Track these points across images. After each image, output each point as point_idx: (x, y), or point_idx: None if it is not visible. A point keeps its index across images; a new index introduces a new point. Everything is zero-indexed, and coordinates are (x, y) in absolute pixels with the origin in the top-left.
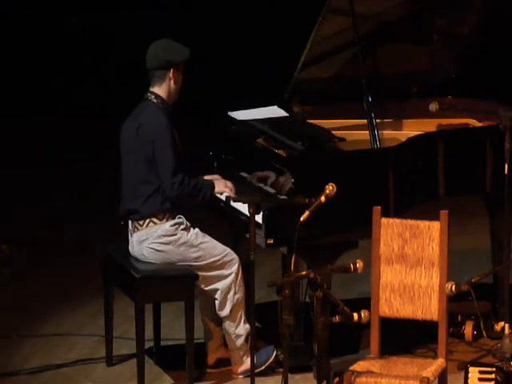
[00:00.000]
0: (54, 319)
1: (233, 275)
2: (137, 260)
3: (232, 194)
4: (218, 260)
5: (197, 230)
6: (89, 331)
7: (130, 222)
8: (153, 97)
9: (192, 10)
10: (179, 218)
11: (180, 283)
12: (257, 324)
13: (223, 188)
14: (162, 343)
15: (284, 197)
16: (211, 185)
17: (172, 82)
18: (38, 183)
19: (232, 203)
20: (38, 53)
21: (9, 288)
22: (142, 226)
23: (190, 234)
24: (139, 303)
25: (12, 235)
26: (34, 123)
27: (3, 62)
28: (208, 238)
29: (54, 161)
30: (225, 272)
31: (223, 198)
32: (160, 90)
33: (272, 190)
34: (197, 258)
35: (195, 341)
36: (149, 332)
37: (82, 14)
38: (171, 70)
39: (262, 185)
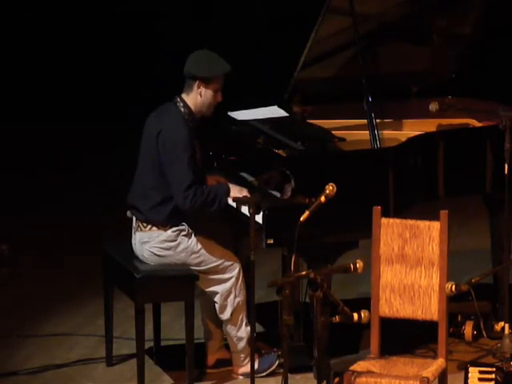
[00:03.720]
0: (53, 319)
1: (233, 279)
2: (137, 260)
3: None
4: (219, 265)
5: (198, 235)
6: (89, 331)
7: (134, 218)
8: (181, 104)
9: (192, 10)
10: (182, 224)
11: (180, 283)
12: (257, 324)
13: (238, 193)
14: (162, 343)
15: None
16: (226, 190)
17: (199, 95)
18: (39, 183)
19: (231, 203)
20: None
21: (9, 288)
22: (145, 227)
23: (190, 240)
24: (139, 303)
25: (12, 235)
26: (35, 125)
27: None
28: (209, 243)
29: (54, 161)
30: (225, 276)
31: (230, 202)
32: (188, 98)
33: (277, 194)
34: (198, 264)
35: (195, 341)
36: (149, 332)
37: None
38: (196, 82)
39: (268, 189)
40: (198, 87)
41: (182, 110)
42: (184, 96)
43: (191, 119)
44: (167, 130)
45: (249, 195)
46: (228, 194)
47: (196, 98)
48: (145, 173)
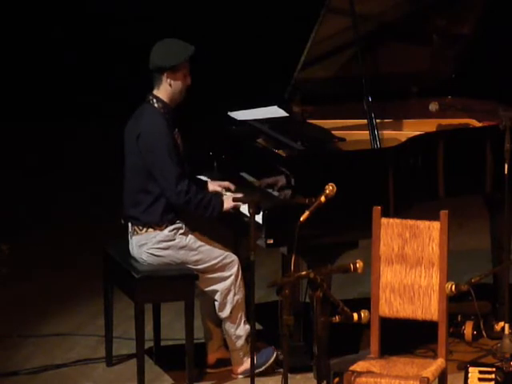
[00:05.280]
0: (54, 319)
1: (232, 277)
2: (136, 260)
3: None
4: (218, 262)
5: (196, 233)
6: (89, 331)
7: (129, 224)
8: (154, 100)
9: (192, 10)
10: (178, 222)
11: (180, 283)
12: (257, 324)
13: (232, 204)
14: (162, 343)
15: (284, 197)
16: (220, 202)
17: (169, 85)
18: (39, 183)
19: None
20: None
21: (8, 288)
22: (141, 230)
23: (188, 238)
24: (139, 303)
25: (12, 235)
26: (35, 125)
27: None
28: (207, 241)
29: (54, 161)
30: (224, 274)
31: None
32: (160, 92)
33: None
34: (197, 261)
35: (195, 341)
36: (149, 332)
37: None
38: (165, 75)
39: (270, 190)
40: (167, 78)
41: (157, 105)
42: (155, 92)
43: (167, 111)
44: (145, 131)
45: (242, 205)
46: (222, 205)
47: (167, 89)
48: (132, 179)
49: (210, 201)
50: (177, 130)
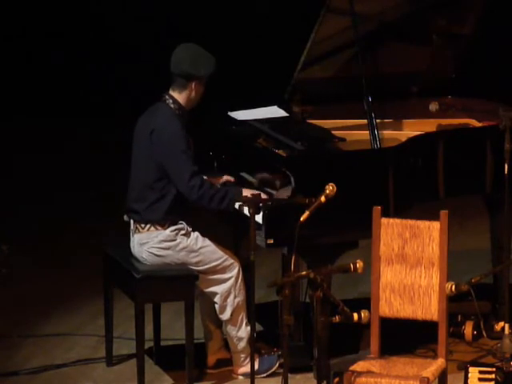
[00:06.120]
0: (53, 319)
1: (232, 279)
2: (137, 260)
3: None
4: (219, 264)
5: (197, 234)
6: (89, 331)
7: (132, 220)
8: (171, 101)
9: (192, 10)
10: (180, 223)
11: (180, 283)
12: (257, 324)
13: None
14: (162, 343)
15: (284, 197)
16: (239, 191)
17: (193, 92)
18: (39, 183)
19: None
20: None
21: (8, 288)
22: (143, 228)
23: (189, 240)
24: (139, 303)
25: (12, 235)
26: (34, 124)
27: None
28: (208, 243)
29: (54, 161)
30: (225, 276)
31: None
32: (179, 96)
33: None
34: (197, 263)
35: (195, 341)
36: (149, 332)
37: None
38: (193, 83)
39: (268, 189)
40: (194, 86)
41: (172, 106)
42: (174, 94)
43: (182, 113)
44: (160, 127)
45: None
46: (240, 194)
47: (189, 95)
48: (139, 175)
49: (226, 193)
50: (189, 134)
